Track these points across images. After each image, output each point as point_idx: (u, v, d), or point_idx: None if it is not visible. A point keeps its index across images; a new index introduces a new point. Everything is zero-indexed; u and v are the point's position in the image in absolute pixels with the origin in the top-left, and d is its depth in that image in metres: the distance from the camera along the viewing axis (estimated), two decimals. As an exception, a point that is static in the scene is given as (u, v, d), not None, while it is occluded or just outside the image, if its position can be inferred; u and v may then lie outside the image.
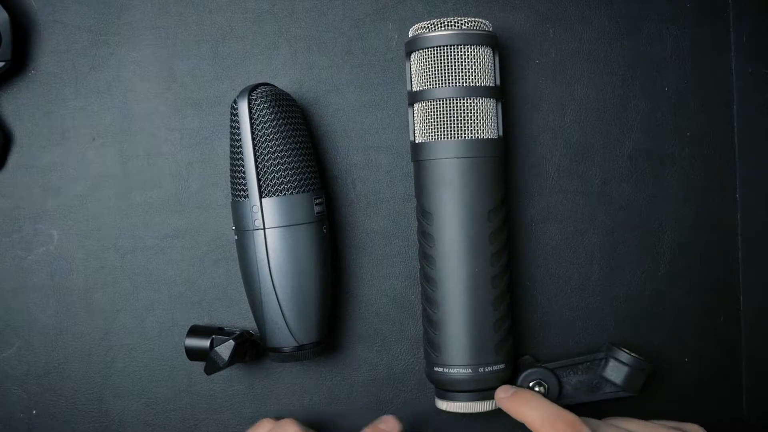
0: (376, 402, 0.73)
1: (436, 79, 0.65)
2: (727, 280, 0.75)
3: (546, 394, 0.69)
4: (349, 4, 0.73)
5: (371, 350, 0.73)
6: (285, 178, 0.66)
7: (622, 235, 0.74)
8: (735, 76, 0.74)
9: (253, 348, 0.69)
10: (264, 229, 0.66)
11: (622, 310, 0.74)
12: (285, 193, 0.66)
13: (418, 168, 0.67)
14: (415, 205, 0.69)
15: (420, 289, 0.69)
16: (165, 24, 0.72)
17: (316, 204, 0.67)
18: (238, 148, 0.66)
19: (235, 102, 0.66)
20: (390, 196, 0.73)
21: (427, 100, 0.66)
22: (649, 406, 0.73)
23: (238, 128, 0.66)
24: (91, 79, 0.72)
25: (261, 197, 0.66)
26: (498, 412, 0.68)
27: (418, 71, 0.67)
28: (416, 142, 0.67)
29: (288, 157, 0.66)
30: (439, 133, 0.66)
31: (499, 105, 0.67)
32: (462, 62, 0.65)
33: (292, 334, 0.67)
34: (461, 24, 0.65)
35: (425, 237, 0.67)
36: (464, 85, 0.65)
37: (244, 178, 0.66)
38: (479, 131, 0.65)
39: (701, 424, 0.68)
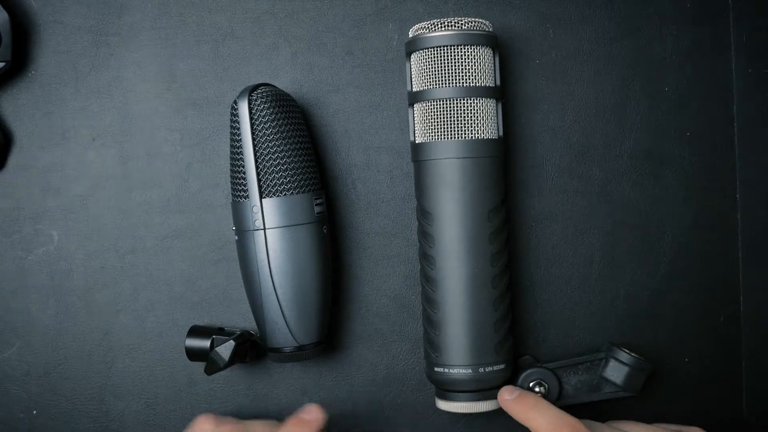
0: (376, 402, 0.73)
1: (436, 79, 0.65)
2: (727, 280, 0.75)
3: (546, 394, 0.69)
4: (349, 4, 0.73)
5: (371, 350, 0.73)
6: (285, 178, 0.66)
7: (622, 235, 0.74)
8: (735, 76, 0.74)
9: (253, 348, 0.69)
10: (264, 229, 0.66)
11: (622, 310, 0.74)
12: (285, 194, 0.66)
13: (418, 168, 0.67)
14: (415, 205, 0.69)
15: (420, 289, 0.69)
16: (165, 24, 0.72)
17: (316, 204, 0.67)
18: (238, 148, 0.66)
19: (235, 102, 0.66)
20: (390, 197, 0.73)
21: (427, 101, 0.66)
22: (649, 407, 0.74)
23: (239, 128, 0.66)
24: (91, 80, 0.72)
25: (261, 197, 0.66)
26: (498, 412, 0.68)
27: (418, 71, 0.67)
28: (416, 142, 0.67)
29: (288, 157, 0.66)
30: (439, 134, 0.66)
31: (499, 105, 0.67)
32: (462, 62, 0.65)
33: (292, 335, 0.67)
34: (461, 24, 0.65)
35: (425, 237, 0.67)
36: (464, 85, 0.65)
37: (244, 179, 0.66)
38: (479, 131, 0.65)
39: (702, 425, 0.69)
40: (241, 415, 0.72)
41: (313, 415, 0.65)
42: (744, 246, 0.75)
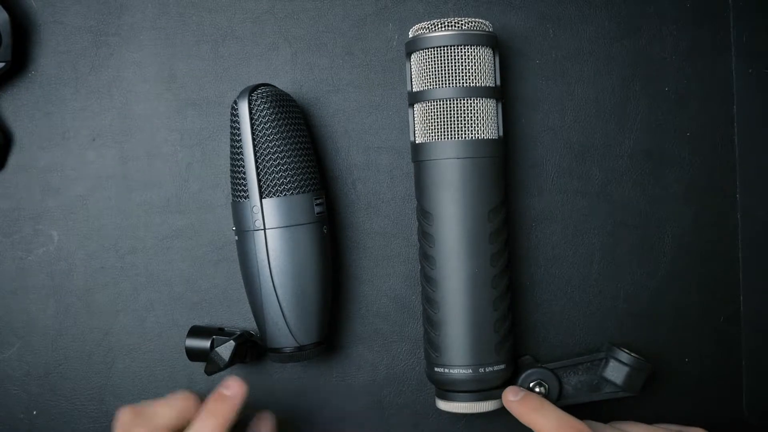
0: (376, 402, 0.73)
1: (437, 79, 0.65)
2: (727, 280, 0.75)
3: (546, 395, 0.69)
4: (349, 5, 0.73)
5: (371, 350, 0.73)
6: (285, 178, 0.66)
7: (622, 235, 0.74)
8: (735, 76, 0.74)
9: (253, 348, 0.69)
10: (264, 229, 0.66)
11: (622, 310, 0.74)
12: (285, 194, 0.66)
13: (418, 168, 0.67)
14: (415, 205, 0.69)
15: (420, 289, 0.69)
16: (165, 24, 0.72)
17: (316, 204, 0.67)
18: (238, 148, 0.66)
19: (235, 102, 0.66)
20: (390, 197, 0.73)
21: (428, 101, 0.66)
22: (649, 407, 0.73)
23: (239, 129, 0.66)
24: (91, 80, 0.72)
25: (261, 198, 0.66)
26: (498, 412, 0.68)
27: (418, 71, 0.67)
28: (416, 142, 0.67)
29: (288, 157, 0.66)
30: (439, 134, 0.66)
31: (499, 105, 0.67)
32: (462, 62, 0.65)
33: (292, 335, 0.67)
34: (461, 24, 0.65)
35: (425, 237, 0.67)
36: (464, 85, 0.65)
37: (244, 179, 0.66)
38: (479, 131, 0.65)
39: (702, 425, 0.69)
40: (242, 415, 0.72)
41: (233, 390, 0.63)
42: (744, 246, 0.75)
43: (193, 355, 0.69)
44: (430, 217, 0.66)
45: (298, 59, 0.73)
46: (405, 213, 0.73)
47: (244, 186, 0.66)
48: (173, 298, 0.73)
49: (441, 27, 0.65)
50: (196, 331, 0.70)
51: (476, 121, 0.65)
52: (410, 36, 0.67)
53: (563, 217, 0.74)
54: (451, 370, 0.66)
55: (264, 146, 0.65)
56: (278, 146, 0.66)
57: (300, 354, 0.67)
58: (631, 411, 0.72)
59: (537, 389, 0.69)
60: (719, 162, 0.74)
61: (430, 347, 0.68)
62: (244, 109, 0.66)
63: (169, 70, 0.72)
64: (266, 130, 0.66)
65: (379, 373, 0.73)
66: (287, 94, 0.68)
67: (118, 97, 0.72)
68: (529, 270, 0.74)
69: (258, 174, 0.66)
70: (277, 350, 0.68)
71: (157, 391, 0.72)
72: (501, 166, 0.67)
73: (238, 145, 0.66)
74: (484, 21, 0.67)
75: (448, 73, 0.65)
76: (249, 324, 0.72)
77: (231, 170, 0.68)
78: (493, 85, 0.66)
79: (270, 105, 0.66)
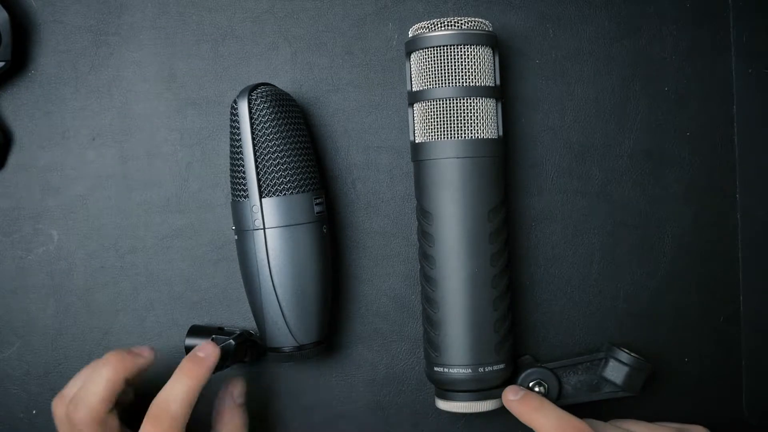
0: (375, 402, 0.73)
1: (436, 79, 0.65)
2: (727, 280, 0.75)
3: (546, 394, 0.69)
4: (349, 4, 0.73)
5: (371, 350, 0.73)
6: (285, 178, 0.66)
7: (622, 235, 0.74)
8: (735, 76, 0.74)
9: (253, 348, 0.69)
10: (264, 229, 0.66)
11: (622, 310, 0.74)
12: (285, 193, 0.66)
13: (418, 168, 0.67)
14: (415, 205, 0.69)
15: (420, 289, 0.69)
16: (165, 24, 0.73)
17: (316, 204, 0.67)
18: (238, 148, 0.66)
19: (235, 102, 0.66)
20: (390, 196, 0.73)
21: (427, 100, 0.66)
22: (649, 407, 0.73)
23: (238, 128, 0.66)
24: (91, 79, 0.72)
25: (261, 197, 0.66)
26: (498, 412, 0.68)
27: (418, 71, 0.67)
28: (416, 142, 0.67)
29: (288, 157, 0.66)
30: (439, 133, 0.66)
31: (499, 105, 0.67)
32: (462, 62, 0.65)
33: (292, 334, 0.67)
34: (461, 24, 0.65)
35: (425, 237, 0.67)
36: (464, 85, 0.65)
37: (244, 178, 0.66)
38: (479, 131, 0.65)
39: (703, 425, 0.69)
40: (241, 414, 0.72)
41: (206, 351, 0.64)
42: (744, 246, 0.75)
43: (193, 354, 0.69)
44: (430, 217, 0.66)
45: (297, 59, 0.73)
46: (405, 212, 0.73)
47: (244, 185, 0.66)
48: (173, 298, 0.73)
49: (441, 26, 0.65)
50: (195, 331, 0.70)
51: (476, 121, 0.65)
52: (410, 35, 0.67)
53: (563, 217, 0.74)
54: (450, 370, 0.66)
55: (264, 146, 0.65)
56: (278, 146, 0.66)
57: (299, 353, 0.67)
58: (630, 411, 0.72)
59: (537, 389, 0.69)
60: (719, 162, 0.74)
61: (429, 347, 0.68)
62: (243, 108, 0.66)
63: (169, 70, 0.72)
64: (266, 129, 0.66)
65: (378, 372, 0.73)
66: (287, 94, 0.68)
67: (118, 96, 0.73)
68: (529, 270, 0.74)
69: (258, 173, 0.66)
70: (276, 350, 0.68)
71: (157, 391, 0.72)
72: (501, 165, 0.67)
73: (237, 144, 0.66)
74: (484, 21, 0.67)
75: (448, 73, 0.65)
76: (249, 323, 0.72)
77: (231, 170, 0.68)
78: (493, 85, 0.66)
79: (270, 104, 0.66)
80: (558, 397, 0.69)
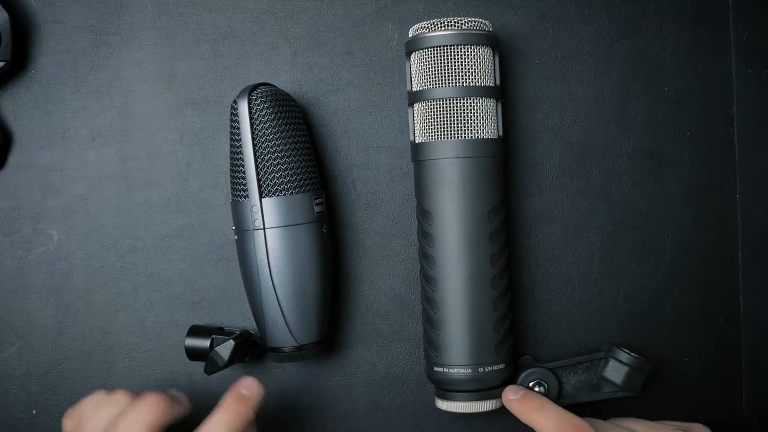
0: (376, 402, 0.73)
1: (436, 79, 0.65)
2: (727, 280, 0.75)
3: (546, 394, 0.69)
4: (349, 4, 0.73)
5: (371, 350, 0.73)
6: (285, 178, 0.66)
7: (622, 235, 0.74)
8: (735, 76, 0.74)
9: (253, 348, 0.69)
10: (264, 229, 0.66)
11: (622, 310, 0.74)
12: (285, 193, 0.66)
13: (418, 168, 0.67)
14: (415, 205, 0.69)
15: (420, 289, 0.69)
16: (165, 24, 0.73)
17: (316, 204, 0.67)
18: (238, 148, 0.66)
19: (235, 102, 0.66)
20: (390, 196, 0.73)
21: (427, 100, 0.66)
22: (649, 406, 0.73)
23: (238, 128, 0.66)
24: (91, 79, 0.72)
25: (261, 197, 0.66)
26: (498, 412, 0.68)
27: (418, 71, 0.67)
28: (416, 142, 0.67)
29: (288, 157, 0.66)
30: (439, 133, 0.66)
31: (499, 105, 0.67)
32: (462, 62, 0.65)
33: (292, 334, 0.67)
34: (461, 24, 0.65)
35: (425, 237, 0.67)
36: (464, 85, 0.65)
37: (244, 178, 0.66)
38: (479, 131, 0.65)
39: (704, 424, 0.68)
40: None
41: (251, 389, 0.63)
42: (744, 246, 0.75)
43: (193, 354, 0.69)
44: (430, 217, 0.66)
45: (297, 59, 0.73)
46: (405, 213, 0.73)
47: (244, 185, 0.66)
48: (173, 298, 0.73)
49: (441, 27, 0.65)
50: (195, 331, 0.70)
51: (476, 121, 0.65)
52: (410, 36, 0.67)
53: (563, 217, 0.74)
54: (450, 370, 0.66)
55: (264, 146, 0.66)
56: (278, 146, 0.66)
57: (299, 353, 0.67)
58: (630, 411, 0.72)
59: (537, 389, 0.69)
60: (719, 162, 0.74)
61: (429, 347, 0.68)
62: (243, 108, 0.66)
63: (169, 70, 0.72)
64: (266, 129, 0.66)
65: (378, 372, 0.73)
66: (287, 94, 0.68)
67: (118, 96, 0.73)
68: (529, 270, 0.74)
69: (258, 173, 0.66)
70: (276, 350, 0.68)
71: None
72: (501, 165, 0.67)
73: (237, 144, 0.66)
74: (483, 21, 0.67)
75: (448, 73, 0.65)
76: (249, 323, 0.72)
77: (231, 170, 0.68)
78: (493, 85, 0.66)
79: (270, 104, 0.66)
80: (558, 397, 0.69)
